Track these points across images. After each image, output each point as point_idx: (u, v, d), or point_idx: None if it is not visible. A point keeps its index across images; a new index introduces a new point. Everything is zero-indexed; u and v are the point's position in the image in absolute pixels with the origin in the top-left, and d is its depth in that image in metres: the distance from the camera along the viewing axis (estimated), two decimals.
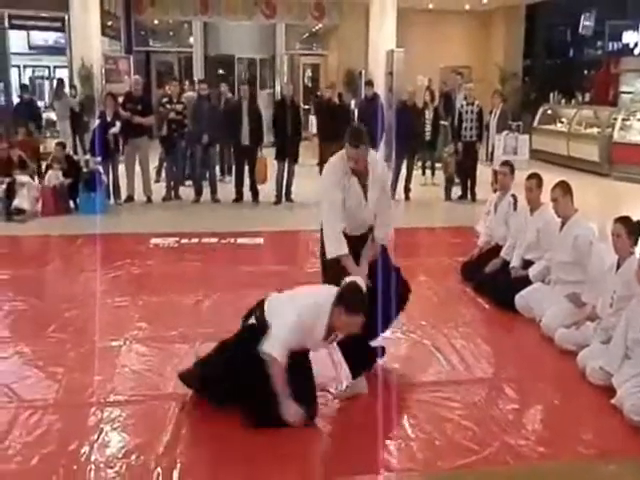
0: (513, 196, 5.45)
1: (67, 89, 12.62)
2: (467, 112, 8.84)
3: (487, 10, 16.89)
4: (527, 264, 4.92)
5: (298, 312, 3.09)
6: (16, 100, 12.09)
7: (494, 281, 5.01)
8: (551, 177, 5.25)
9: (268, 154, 8.97)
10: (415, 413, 3.32)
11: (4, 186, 7.80)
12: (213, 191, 8.98)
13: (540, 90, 16.04)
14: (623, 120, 11.54)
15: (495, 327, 4.61)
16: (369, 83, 9.80)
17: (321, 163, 11.07)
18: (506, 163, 5.73)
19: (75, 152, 10.11)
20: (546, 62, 19.40)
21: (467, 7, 16.57)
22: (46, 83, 14.29)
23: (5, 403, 3.34)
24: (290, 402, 3.06)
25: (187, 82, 12.34)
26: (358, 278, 3.22)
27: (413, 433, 3.14)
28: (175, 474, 2.77)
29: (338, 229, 3.55)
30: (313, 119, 12.67)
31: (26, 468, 2.81)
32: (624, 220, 3.79)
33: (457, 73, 10.64)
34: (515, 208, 5.38)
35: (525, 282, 4.75)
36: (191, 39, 17.30)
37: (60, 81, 13.07)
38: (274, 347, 3.01)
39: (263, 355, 3.02)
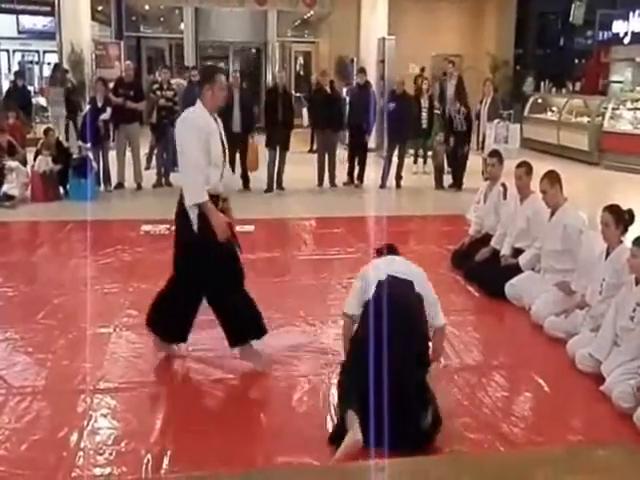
0: (503, 185, 5.46)
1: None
2: (456, 112, 8.85)
3: None
4: (517, 252, 4.93)
5: (188, 143, 3.38)
6: (6, 85, 11.94)
7: (484, 269, 5.03)
8: (542, 166, 5.27)
9: (259, 141, 8.93)
10: None
11: None
12: None
13: (531, 78, 16.03)
14: (613, 109, 11.59)
15: (485, 315, 4.63)
16: (361, 71, 9.75)
17: (312, 150, 11.06)
18: (495, 153, 5.73)
19: (67, 138, 9.98)
20: (537, 51, 19.38)
21: None
22: (36, 68, 14.11)
23: None
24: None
25: (177, 68, 12.24)
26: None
27: None
28: (165, 460, 2.77)
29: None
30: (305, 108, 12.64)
31: (15, 454, 2.80)
32: (613, 209, 3.80)
33: (449, 61, 10.60)
34: (505, 197, 5.39)
35: (515, 270, 4.77)
36: (182, 25, 17.11)
37: (56, 66, 12.89)
38: (192, 192, 3.36)
39: (188, 201, 3.38)
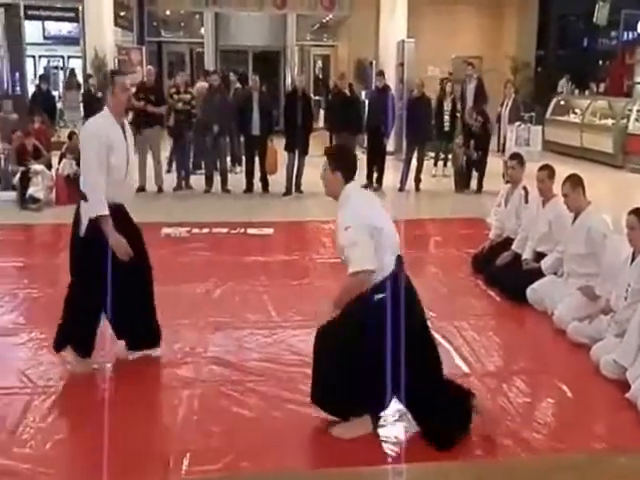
0: (524, 188, 5.40)
1: (80, 79, 12.65)
2: (472, 120, 8.79)
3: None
4: (539, 256, 4.88)
5: (86, 155, 3.41)
6: (32, 90, 12.15)
7: (505, 273, 4.98)
8: (564, 169, 5.21)
9: (278, 144, 8.96)
10: None
11: (19, 175, 7.86)
12: (224, 181, 8.98)
13: (553, 80, 15.87)
14: (638, 111, 11.42)
15: (506, 320, 4.59)
16: (380, 74, 9.73)
17: None
18: (515, 156, 5.68)
19: None
20: (559, 52, 19.16)
21: None
22: (60, 73, 14.35)
23: (19, 389, 3.38)
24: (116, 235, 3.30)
25: (200, 73, 12.35)
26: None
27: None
28: (185, 462, 2.78)
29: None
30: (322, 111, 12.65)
31: (40, 453, 2.84)
32: (638, 212, 3.74)
33: (468, 63, 10.54)
34: (526, 201, 5.33)
35: (537, 274, 4.71)
36: (202, 30, 17.26)
37: (72, 71, 13.12)
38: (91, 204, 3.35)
39: (86, 212, 3.39)
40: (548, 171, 4.95)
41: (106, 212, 3.36)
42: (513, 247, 5.16)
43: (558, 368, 3.78)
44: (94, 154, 3.35)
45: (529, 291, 4.66)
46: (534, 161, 6.65)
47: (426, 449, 2.93)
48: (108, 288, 3.29)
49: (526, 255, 4.98)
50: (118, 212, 3.46)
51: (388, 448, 2.94)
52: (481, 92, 9.28)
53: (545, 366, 3.81)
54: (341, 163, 3.04)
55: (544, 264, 4.74)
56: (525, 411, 3.30)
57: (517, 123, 8.94)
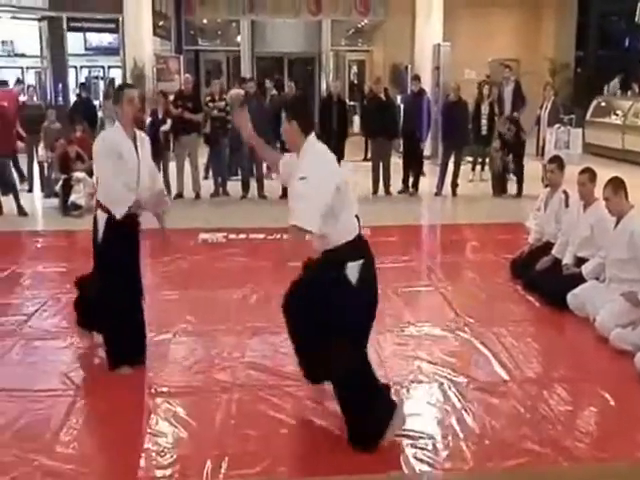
0: (564, 192, 5.30)
1: None
2: (505, 129, 8.69)
3: (537, 1, 16.46)
4: (580, 261, 4.77)
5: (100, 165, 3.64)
6: (73, 99, 12.51)
7: (545, 279, 4.89)
8: (605, 172, 5.08)
9: None
10: (464, 412, 3.27)
11: (61, 182, 8.09)
12: (260, 187, 9.06)
13: (594, 82, 15.51)
14: None
15: (546, 326, 4.50)
16: (416, 78, 9.70)
17: (366, 159, 11.05)
18: (555, 159, 5.57)
19: None
20: (600, 52, 18.72)
21: None
22: (101, 83, 14.73)
23: (62, 391, 3.48)
24: None
25: (235, 81, 12.50)
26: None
27: (462, 432, 3.10)
28: (224, 465, 2.81)
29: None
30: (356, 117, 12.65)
31: (82, 453, 2.91)
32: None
33: (505, 66, 10.40)
34: (567, 205, 5.23)
35: (578, 280, 4.61)
36: (239, 38, 17.49)
37: (111, 81, 13.46)
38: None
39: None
40: (589, 174, 4.85)
41: (124, 211, 3.54)
42: (553, 252, 5.06)
43: (600, 376, 3.68)
44: (109, 163, 3.53)
45: (570, 297, 4.56)
46: (574, 164, 6.52)
47: (463, 457, 2.90)
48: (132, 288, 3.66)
49: (566, 260, 4.88)
50: (128, 221, 3.62)
51: (423, 454, 2.91)
52: (519, 95, 9.13)
53: (587, 373, 3.73)
54: (296, 113, 2.96)
55: (585, 269, 4.63)
56: (567, 419, 3.23)
57: (557, 126, 8.77)
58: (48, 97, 13.55)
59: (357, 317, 2.94)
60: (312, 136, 2.96)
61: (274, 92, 10.41)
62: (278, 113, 9.34)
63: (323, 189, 2.74)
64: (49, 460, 2.84)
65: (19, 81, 12.03)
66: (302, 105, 3.16)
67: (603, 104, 13.21)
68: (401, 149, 9.55)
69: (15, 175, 8.87)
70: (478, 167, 10.32)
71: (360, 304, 2.93)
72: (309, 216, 2.69)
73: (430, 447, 2.97)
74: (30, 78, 14.34)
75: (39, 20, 13.92)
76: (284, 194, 8.94)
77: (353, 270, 2.87)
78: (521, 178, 8.84)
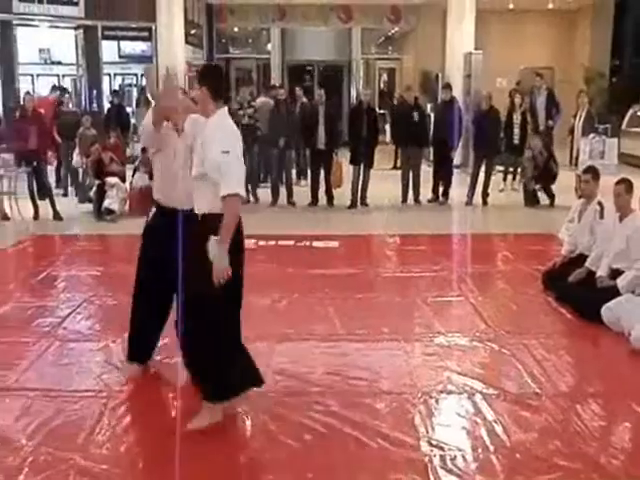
0: (599, 203, 5.21)
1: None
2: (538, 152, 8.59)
3: (572, 9, 16.26)
4: (615, 274, 4.68)
5: None
6: (107, 106, 12.76)
7: (579, 291, 4.80)
8: None
9: (343, 158, 9.02)
10: (494, 424, 3.23)
11: (95, 188, 8.26)
12: (289, 194, 9.12)
13: (629, 91, 15.21)
14: None
15: (579, 339, 4.42)
16: (446, 86, 9.66)
17: (396, 167, 11.03)
18: (589, 169, 5.47)
19: None
20: (636, 61, 18.37)
21: (550, 6, 16.01)
22: (134, 90, 15.00)
23: (96, 392, 3.54)
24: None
25: (263, 88, 12.62)
26: None
27: (492, 444, 3.06)
28: (252, 470, 2.83)
29: None
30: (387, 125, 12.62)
31: (116, 454, 2.96)
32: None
33: (536, 74, 10.29)
34: (602, 216, 5.13)
35: (613, 293, 4.52)
36: (269, 46, 17.66)
37: (143, 88, 13.70)
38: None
39: None
40: (625, 185, 4.76)
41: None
42: (587, 264, 4.98)
43: (635, 391, 3.60)
44: None
45: (604, 310, 4.47)
46: (610, 175, 6.40)
47: (493, 470, 2.87)
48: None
49: (601, 272, 4.79)
50: (169, 215, 3.41)
51: (452, 466, 2.88)
52: (553, 103, 9.00)
53: (621, 389, 3.65)
54: (207, 79, 3.11)
55: (621, 282, 4.54)
56: (600, 435, 3.17)
57: (591, 135, 8.62)
58: (83, 104, 13.83)
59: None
60: (224, 109, 3.17)
61: (304, 100, 10.47)
62: (308, 121, 9.44)
63: (240, 161, 3.10)
64: (83, 460, 2.89)
65: (55, 88, 12.28)
66: (214, 72, 3.28)
67: (639, 113, 12.96)
68: (431, 157, 9.51)
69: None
70: (510, 177, 10.21)
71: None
72: (239, 182, 3.04)
73: (460, 459, 2.94)
74: (66, 85, 14.67)
75: (75, 29, 14.25)
76: (313, 202, 8.99)
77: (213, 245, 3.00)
78: (552, 200, 8.71)
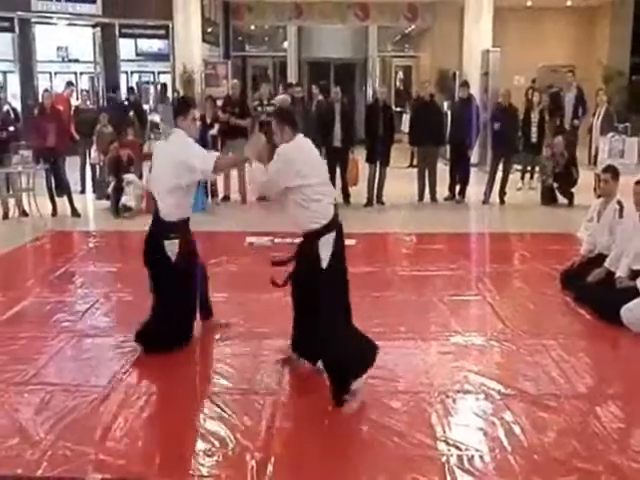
0: (619, 203, 5.14)
1: (169, 93, 13.30)
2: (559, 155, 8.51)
3: (591, 6, 16.07)
4: (635, 274, 4.62)
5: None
6: (124, 103, 12.86)
7: (598, 291, 4.75)
8: None
9: (360, 156, 9.00)
10: (512, 425, 3.21)
11: (113, 184, 8.33)
12: None
13: None
14: None
15: (598, 340, 4.37)
16: (464, 84, 9.59)
17: (412, 165, 10.98)
18: (608, 168, 5.40)
19: None
20: None
21: (569, 3, 15.84)
22: (151, 87, 15.10)
23: (114, 387, 3.57)
24: None
25: (280, 85, 12.62)
26: None
27: (509, 445, 3.03)
28: (269, 467, 2.83)
29: None
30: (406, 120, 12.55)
31: (134, 450, 2.98)
32: None
33: (568, 70, 10.16)
34: (621, 215, 5.06)
35: (632, 293, 4.46)
36: (285, 43, 17.67)
37: (163, 86, 13.79)
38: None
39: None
40: None
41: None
42: (606, 264, 4.91)
43: None
44: None
45: (624, 311, 4.41)
46: (630, 174, 6.32)
47: (510, 470, 2.85)
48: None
49: (620, 272, 4.73)
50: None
51: (470, 466, 2.87)
52: (580, 103, 8.85)
53: None
54: (286, 119, 3.65)
55: None
56: (620, 437, 3.13)
57: (610, 134, 8.52)
58: (100, 102, 13.95)
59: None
60: (301, 136, 3.64)
61: (320, 98, 10.45)
62: (324, 118, 9.43)
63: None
64: (101, 454, 2.91)
65: (69, 84, 12.37)
66: (288, 113, 3.80)
67: None
68: (448, 155, 9.45)
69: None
70: (527, 175, 10.13)
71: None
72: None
73: (477, 459, 2.92)
74: (84, 83, 14.80)
75: (93, 27, 14.38)
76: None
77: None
78: (571, 200, 8.61)
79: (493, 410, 3.36)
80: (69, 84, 12.26)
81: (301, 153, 3.52)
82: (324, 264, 3.41)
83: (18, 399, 3.43)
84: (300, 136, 3.60)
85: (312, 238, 3.45)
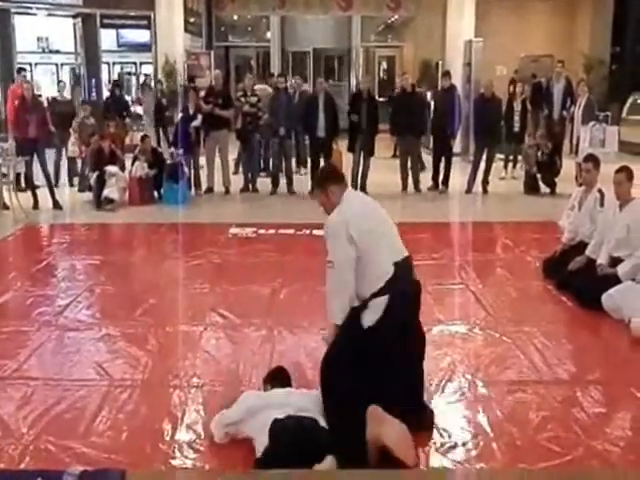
0: (600, 191, 5.19)
1: (152, 84, 13.15)
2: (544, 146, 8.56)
3: None
4: (615, 262, 4.68)
5: None
6: (106, 94, 12.69)
7: (579, 279, 4.80)
8: None
9: (343, 146, 8.98)
10: (495, 412, 3.24)
11: (95, 177, 8.23)
12: (289, 183, 9.09)
13: (630, 78, 15.13)
14: None
15: (580, 327, 4.42)
16: (446, 74, 9.59)
17: (395, 156, 10.98)
18: (590, 158, 5.45)
19: (158, 144, 10.42)
20: (637, 48, 18.23)
21: None
22: (133, 79, 14.92)
23: (97, 381, 3.55)
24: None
25: (263, 76, 12.56)
26: None
27: (492, 432, 3.07)
28: (252, 457, 2.83)
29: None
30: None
31: (116, 443, 2.97)
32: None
33: (558, 61, 10.20)
34: (602, 204, 5.12)
35: (613, 280, 4.52)
36: (268, 34, 17.54)
37: (147, 77, 13.64)
38: None
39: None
40: (626, 173, 4.75)
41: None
42: (587, 252, 4.97)
43: (636, 379, 3.60)
44: None
45: (605, 297, 4.47)
46: (610, 163, 6.38)
47: (493, 457, 2.88)
48: None
49: (601, 260, 4.79)
50: None
51: (452, 452, 2.89)
52: (569, 93, 8.88)
53: (622, 376, 3.65)
54: (329, 179, 3.23)
55: (621, 269, 4.54)
56: (600, 422, 3.18)
57: (591, 123, 8.58)
58: (82, 93, 13.74)
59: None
60: (349, 188, 3.28)
61: (304, 88, 10.40)
62: (308, 109, 9.39)
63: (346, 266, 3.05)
64: (84, 448, 2.90)
65: (20, 70, 10.46)
66: (328, 172, 3.48)
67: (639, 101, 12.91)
68: (430, 145, 9.47)
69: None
70: (510, 165, 10.19)
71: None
72: (340, 313, 3.03)
73: (460, 446, 2.95)
74: (65, 74, 14.57)
75: (73, 17, 14.15)
76: (312, 190, 8.91)
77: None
78: (553, 188, 8.68)
79: (476, 397, 3.39)
80: (19, 71, 10.40)
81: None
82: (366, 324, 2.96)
83: (0, 394, 3.39)
84: (349, 190, 3.18)
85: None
